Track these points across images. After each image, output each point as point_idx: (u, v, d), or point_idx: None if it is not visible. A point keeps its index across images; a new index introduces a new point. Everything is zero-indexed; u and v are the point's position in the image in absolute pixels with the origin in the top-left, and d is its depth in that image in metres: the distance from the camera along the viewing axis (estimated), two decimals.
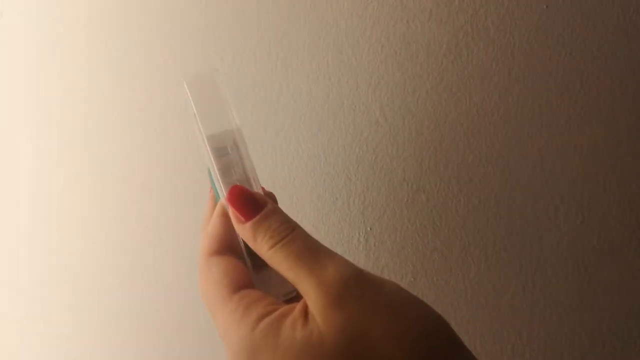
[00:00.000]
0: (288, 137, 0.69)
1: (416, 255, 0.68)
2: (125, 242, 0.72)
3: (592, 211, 0.66)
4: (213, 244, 0.45)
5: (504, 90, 0.66)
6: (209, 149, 0.45)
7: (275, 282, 0.44)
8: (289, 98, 0.69)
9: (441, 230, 0.67)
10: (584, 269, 0.66)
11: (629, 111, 0.65)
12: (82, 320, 0.74)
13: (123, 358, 0.73)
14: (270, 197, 0.47)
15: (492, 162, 0.66)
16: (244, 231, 0.42)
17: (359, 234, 0.68)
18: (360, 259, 0.68)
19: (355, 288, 0.36)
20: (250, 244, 0.42)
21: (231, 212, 0.43)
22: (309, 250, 0.39)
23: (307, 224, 0.68)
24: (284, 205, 0.67)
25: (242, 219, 0.42)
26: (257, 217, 0.42)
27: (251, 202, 0.43)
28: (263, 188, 0.46)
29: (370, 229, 0.68)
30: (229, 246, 0.45)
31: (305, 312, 0.37)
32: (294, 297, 0.44)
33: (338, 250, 0.66)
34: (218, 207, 0.46)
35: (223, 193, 0.44)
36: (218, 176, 0.45)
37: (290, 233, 0.41)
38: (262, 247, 0.41)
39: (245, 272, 0.43)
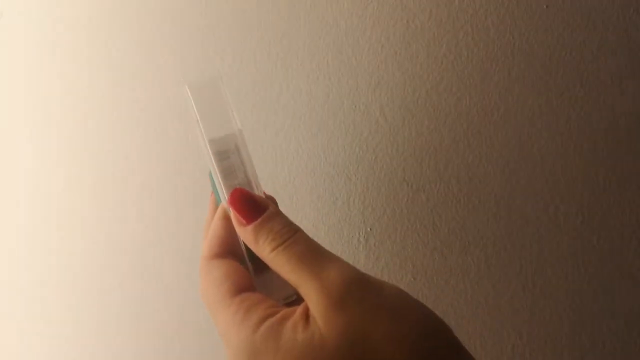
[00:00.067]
0: (288, 137, 0.69)
1: (416, 255, 0.68)
2: (125, 242, 0.72)
3: (592, 211, 0.66)
4: (214, 247, 0.45)
5: (504, 90, 0.66)
6: (210, 152, 0.45)
7: (276, 285, 0.44)
8: (289, 98, 0.69)
9: (441, 230, 0.67)
10: (584, 268, 0.66)
11: (629, 111, 0.65)
12: (82, 320, 0.73)
13: (123, 358, 0.73)
14: (272, 201, 0.47)
15: (492, 162, 0.66)
16: (245, 234, 0.42)
17: (359, 233, 0.68)
18: (360, 259, 0.68)
19: (357, 291, 0.36)
20: (252, 247, 0.42)
21: (233, 214, 0.43)
22: (310, 253, 0.40)
23: (307, 224, 0.68)
24: (284, 205, 0.67)
25: (244, 221, 0.42)
26: (259, 220, 0.42)
27: (253, 204, 0.43)
28: (264, 192, 0.46)
29: (370, 229, 0.68)
30: (230, 249, 0.45)
31: (307, 315, 0.37)
32: (295, 300, 0.44)
33: (338, 250, 0.67)
34: (219, 211, 0.46)
35: (225, 196, 0.44)
36: (220, 179, 0.45)
37: (292, 236, 0.41)
38: (264, 250, 0.41)
39: (247, 275, 0.43)
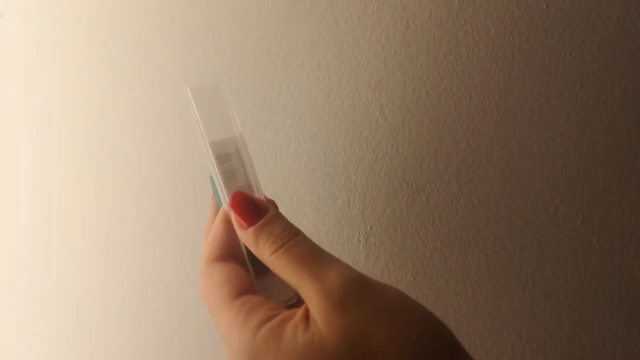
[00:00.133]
0: (288, 137, 0.69)
1: (416, 255, 0.68)
2: (125, 242, 0.72)
3: (592, 211, 0.66)
4: (215, 250, 0.45)
5: (504, 91, 0.66)
6: (211, 155, 0.45)
7: (276, 288, 0.44)
8: (289, 98, 0.68)
9: (441, 230, 0.67)
10: (584, 268, 0.66)
11: (629, 111, 0.65)
12: (82, 320, 0.73)
13: (123, 358, 0.73)
14: (272, 204, 0.47)
15: (492, 162, 0.66)
16: (246, 236, 0.43)
17: (359, 233, 0.68)
18: (360, 259, 0.68)
19: (357, 293, 0.36)
20: (253, 250, 0.42)
21: (233, 217, 0.43)
22: (311, 255, 0.40)
23: (307, 224, 0.68)
24: (284, 205, 0.67)
25: (245, 224, 0.43)
26: (260, 223, 0.42)
27: (253, 207, 0.43)
28: (265, 195, 0.47)
29: (370, 228, 0.68)
30: (230, 252, 0.45)
31: (307, 317, 0.37)
32: (295, 303, 0.45)
33: (338, 249, 0.67)
34: (220, 214, 0.46)
35: (226, 199, 0.45)
36: (221, 182, 0.45)
37: (292, 238, 0.41)
38: (265, 252, 0.41)
39: (247, 278, 0.43)
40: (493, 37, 0.65)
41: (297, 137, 0.68)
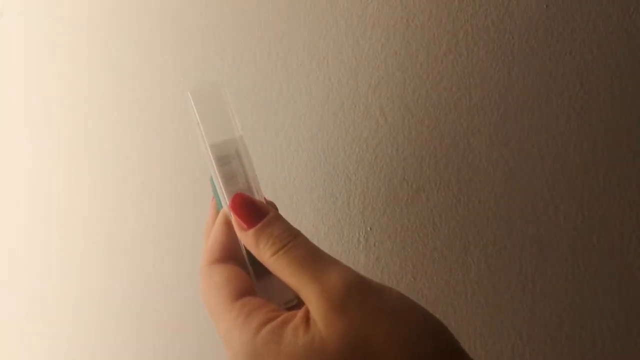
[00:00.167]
0: (288, 137, 0.69)
1: (416, 255, 0.68)
2: (125, 242, 0.72)
3: (592, 211, 0.66)
4: (215, 252, 0.45)
5: (504, 90, 0.66)
6: (212, 157, 0.45)
7: (277, 289, 0.45)
8: (289, 98, 0.68)
9: (441, 230, 0.67)
10: (584, 268, 0.66)
11: (629, 111, 0.65)
12: (82, 320, 0.73)
13: (123, 358, 0.73)
14: (272, 206, 0.47)
15: (492, 161, 0.66)
16: (246, 238, 0.43)
17: (359, 233, 0.68)
18: (360, 259, 0.68)
19: (358, 294, 0.37)
20: (253, 251, 0.43)
21: (234, 219, 0.44)
22: (311, 257, 0.40)
23: (307, 224, 0.68)
24: (284, 205, 0.67)
25: (245, 226, 0.43)
26: (260, 225, 0.42)
27: (254, 209, 0.43)
28: (265, 198, 0.47)
29: (370, 228, 0.68)
30: (231, 254, 0.45)
31: (307, 319, 0.37)
32: (296, 305, 0.45)
33: (338, 250, 0.67)
34: (220, 216, 0.46)
35: (226, 201, 0.45)
36: (221, 184, 0.45)
37: (292, 240, 0.41)
38: (265, 254, 0.41)
39: (247, 279, 0.44)
40: (493, 37, 0.65)
41: (297, 137, 0.68)
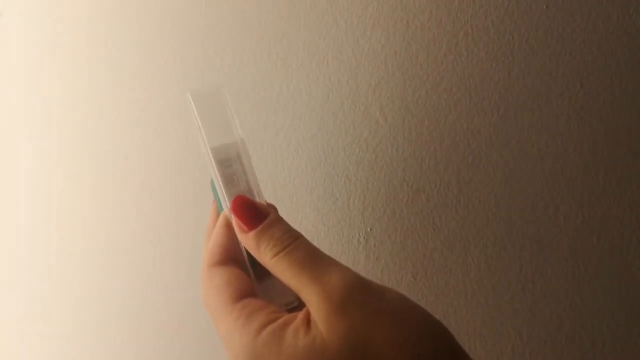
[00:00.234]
0: (288, 137, 0.69)
1: (416, 256, 0.68)
2: (125, 242, 0.72)
3: (592, 211, 0.66)
4: (216, 255, 0.46)
5: (504, 91, 0.66)
6: (212, 161, 0.45)
7: (277, 291, 0.45)
8: (289, 98, 0.69)
9: (441, 231, 0.67)
10: (584, 268, 0.66)
11: (629, 111, 0.65)
12: (82, 320, 0.73)
13: (123, 358, 0.73)
14: (272, 208, 0.47)
15: (492, 162, 0.66)
16: (247, 240, 0.43)
17: (359, 234, 0.68)
18: (360, 260, 0.68)
19: (358, 296, 0.37)
20: (254, 253, 0.43)
21: (234, 221, 0.44)
22: (311, 258, 0.40)
23: (307, 224, 0.68)
24: (284, 205, 0.67)
25: (245, 228, 0.43)
26: (260, 226, 0.43)
27: (254, 211, 0.44)
28: (265, 201, 0.47)
29: (370, 229, 0.68)
30: (231, 256, 0.46)
31: (308, 320, 0.37)
32: (296, 306, 0.45)
33: (338, 250, 0.67)
34: (221, 218, 0.47)
35: (227, 204, 0.45)
36: (222, 187, 0.45)
37: (293, 242, 0.41)
38: (266, 256, 0.41)
39: (248, 281, 0.44)
40: (493, 37, 0.65)
41: (297, 137, 0.69)
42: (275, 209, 0.47)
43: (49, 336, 0.74)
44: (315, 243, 0.42)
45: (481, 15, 0.65)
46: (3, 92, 0.73)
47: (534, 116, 0.66)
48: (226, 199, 0.45)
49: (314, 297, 0.37)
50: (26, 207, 0.73)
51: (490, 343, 0.67)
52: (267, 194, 0.65)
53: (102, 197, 0.72)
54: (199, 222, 0.71)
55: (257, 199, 0.46)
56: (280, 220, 0.43)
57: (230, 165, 0.46)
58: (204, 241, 0.50)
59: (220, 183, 0.45)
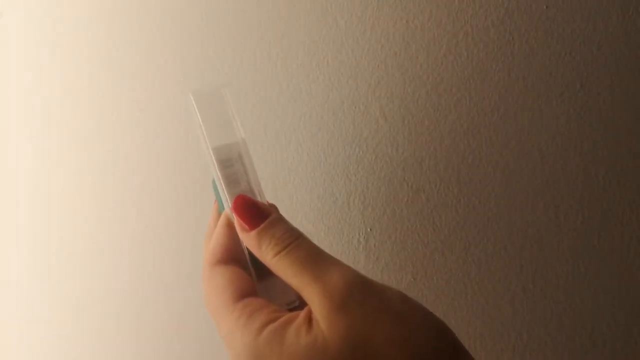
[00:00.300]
0: (288, 137, 0.69)
1: (416, 256, 0.68)
2: (125, 242, 0.72)
3: (592, 211, 0.66)
4: (217, 254, 0.46)
5: (504, 91, 0.66)
6: (214, 160, 0.46)
7: (278, 291, 0.45)
8: (289, 98, 0.69)
9: (441, 231, 0.68)
10: (584, 268, 0.66)
11: (628, 111, 0.65)
12: (82, 320, 0.74)
13: (123, 358, 0.74)
14: (273, 208, 0.47)
15: (492, 162, 0.67)
16: (248, 239, 0.43)
17: (359, 234, 0.68)
18: (360, 260, 0.69)
19: (359, 295, 0.37)
20: (255, 252, 0.43)
21: (236, 221, 0.44)
22: (313, 257, 0.40)
23: (307, 224, 0.68)
24: (284, 205, 0.68)
25: (247, 227, 0.43)
26: (262, 226, 0.43)
27: (256, 210, 0.44)
28: (267, 201, 0.47)
29: (370, 229, 0.68)
30: (232, 256, 0.46)
31: (309, 319, 0.37)
32: (297, 306, 0.45)
33: (338, 250, 0.67)
34: (222, 218, 0.47)
35: (228, 203, 0.45)
36: (223, 187, 0.45)
37: (294, 241, 0.41)
38: (267, 255, 0.42)
39: (249, 281, 0.44)
40: (493, 38, 0.66)
41: (296, 137, 0.69)
42: (276, 208, 0.47)
43: (49, 336, 0.74)
44: (315, 243, 0.42)
45: (481, 15, 0.66)
46: (3, 92, 0.73)
47: (534, 116, 0.66)
48: (228, 199, 0.45)
49: (316, 296, 0.37)
50: (26, 207, 0.74)
51: (490, 343, 0.68)
52: (267, 193, 0.64)
53: (102, 197, 0.72)
54: (199, 222, 0.71)
55: (259, 199, 0.46)
56: (281, 219, 0.44)
57: (232, 165, 0.46)
58: (205, 241, 0.50)
59: (222, 183, 0.45)
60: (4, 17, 0.72)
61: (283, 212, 0.45)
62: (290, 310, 0.42)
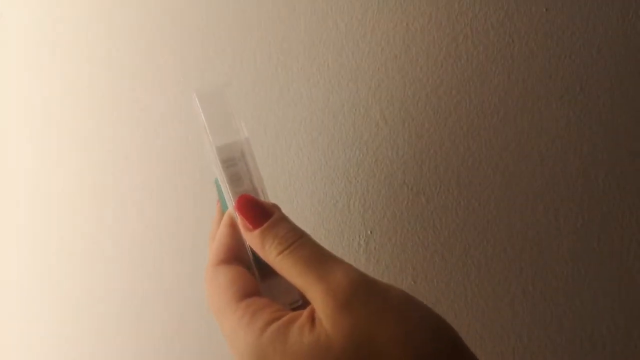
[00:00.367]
0: (288, 140, 0.69)
1: (416, 258, 0.68)
2: (125, 242, 0.73)
3: (592, 213, 0.66)
4: (220, 254, 0.46)
5: (504, 93, 0.67)
6: (217, 159, 0.46)
7: (282, 290, 0.45)
8: (289, 101, 0.69)
9: (441, 233, 0.68)
10: (584, 271, 0.67)
11: (628, 114, 0.66)
12: (82, 320, 0.74)
13: (123, 358, 0.74)
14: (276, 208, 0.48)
15: (492, 164, 0.67)
16: (252, 239, 0.44)
17: (359, 237, 0.69)
18: (360, 262, 0.69)
19: (363, 294, 0.37)
20: (259, 251, 0.43)
21: (239, 220, 0.45)
22: (316, 256, 0.41)
23: (308, 228, 0.67)
24: (284, 208, 0.68)
25: (250, 226, 0.44)
26: (265, 225, 0.43)
27: (259, 210, 0.44)
28: (270, 200, 0.48)
29: (371, 232, 0.68)
30: (236, 255, 0.46)
31: (313, 318, 0.38)
32: (300, 305, 0.46)
33: (338, 253, 0.67)
34: (225, 217, 0.47)
35: (231, 202, 0.46)
36: (227, 186, 0.46)
37: (297, 240, 0.42)
38: (270, 254, 0.42)
39: (252, 280, 0.44)
40: (493, 40, 0.66)
41: (297, 139, 0.69)
42: (279, 208, 0.47)
43: (49, 336, 0.74)
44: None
45: (481, 18, 0.66)
46: (3, 92, 0.74)
47: (534, 119, 0.66)
48: (231, 198, 0.46)
49: (319, 295, 0.38)
50: (26, 207, 0.74)
51: (490, 345, 0.68)
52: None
53: (102, 197, 0.72)
54: (199, 222, 0.71)
55: (262, 198, 0.46)
56: (285, 218, 0.44)
57: (235, 164, 0.46)
58: (209, 241, 0.50)
59: (225, 182, 0.46)
60: (4, 17, 0.72)
61: None
62: (294, 309, 0.43)
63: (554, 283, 0.67)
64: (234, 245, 0.46)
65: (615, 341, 0.67)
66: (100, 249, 0.73)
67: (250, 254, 0.46)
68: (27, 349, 0.75)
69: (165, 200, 0.72)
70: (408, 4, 0.67)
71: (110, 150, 0.72)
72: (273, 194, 0.69)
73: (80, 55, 0.72)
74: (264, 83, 0.69)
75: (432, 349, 0.36)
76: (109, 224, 0.73)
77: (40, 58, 0.73)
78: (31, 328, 0.75)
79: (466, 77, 0.67)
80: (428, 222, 0.68)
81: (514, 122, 0.67)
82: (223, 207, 0.49)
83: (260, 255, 0.44)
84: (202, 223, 0.71)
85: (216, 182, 0.48)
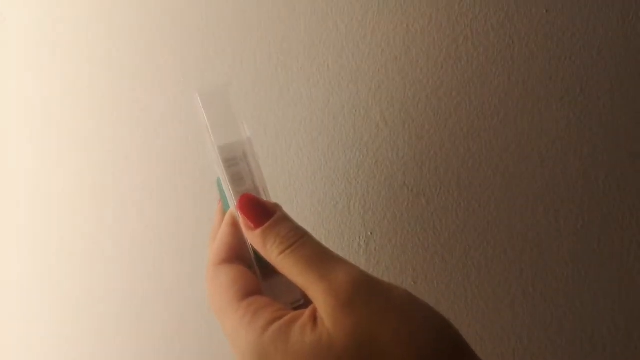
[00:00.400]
0: (288, 141, 0.70)
1: (417, 259, 0.68)
2: (125, 242, 0.73)
3: (592, 215, 0.67)
4: (222, 253, 0.46)
5: (504, 95, 0.67)
6: (219, 159, 0.47)
7: (283, 289, 0.46)
8: (289, 101, 0.70)
9: (442, 234, 0.68)
10: (584, 272, 0.67)
11: (628, 115, 0.66)
12: (82, 320, 0.74)
13: (123, 358, 0.74)
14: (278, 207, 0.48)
15: (492, 166, 0.67)
16: (253, 238, 0.44)
17: (359, 238, 0.69)
18: (361, 263, 0.69)
19: (365, 293, 0.38)
20: (260, 251, 0.44)
21: (241, 219, 0.45)
22: (318, 255, 0.41)
23: (308, 228, 0.65)
24: (285, 209, 0.68)
25: (252, 225, 0.44)
26: (267, 224, 0.43)
27: (261, 209, 0.45)
28: (271, 200, 0.48)
29: (371, 233, 0.69)
30: (237, 255, 0.46)
31: (315, 317, 0.38)
32: (302, 304, 0.46)
33: (339, 254, 0.67)
34: (227, 217, 0.47)
35: (233, 202, 0.46)
36: (229, 185, 0.47)
37: (299, 239, 0.42)
38: (272, 253, 0.42)
39: (254, 279, 0.44)
40: (493, 42, 0.67)
41: (297, 140, 0.70)
42: (281, 207, 0.47)
43: (49, 336, 0.74)
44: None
45: (481, 19, 0.66)
46: (3, 92, 0.74)
47: (534, 120, 0.67)
48: (233, 197, 0.46)
49: (321, 294, 0.38)
50: (26, 207, 0.74)
51: (490, 347, 0.68)
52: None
53: (102, 197, 0.73)
54: (199, 222, 0.72)
55: (264, 197, 0.47)
56: (286, 217, 0.44)
57: (237, 163, 0.47)
58: (210, 241, 0.51)
59: (227, 181, 0.46)
60: (4, 17, 0.73)
61: None
62: (295, 308, 0.43)
63: (554, 284, 0.67)
64: (236, 245, 0.46)
65: (616, 342, 0.67)
66: (100, 249, 0.73)
67: (251, 253, 0.47)
68: (27, 349, 0.75)
69: (165, 200, 0.72)
70: (408, 5, 0.68)
71: (110, 150, 0.73)
72: (273, 194, 0.67)
73: (80, 55, 0.73)
74: (264, 83, 0.70)
75: (436, 350, 0.36)
76: (109, 224, 0.73)
77: (40, 58, 0.73)
78: (31, 328, 0.75)
79: (466, 79, 0.67)
80: (428, 223, 0.68)
81: (514, 123, 0.67)
82: (225, 207, 0.49)
83: (261, 255, 0.44)
84: (202, 223, 0.71)
85: (218, 181, 0.48)
